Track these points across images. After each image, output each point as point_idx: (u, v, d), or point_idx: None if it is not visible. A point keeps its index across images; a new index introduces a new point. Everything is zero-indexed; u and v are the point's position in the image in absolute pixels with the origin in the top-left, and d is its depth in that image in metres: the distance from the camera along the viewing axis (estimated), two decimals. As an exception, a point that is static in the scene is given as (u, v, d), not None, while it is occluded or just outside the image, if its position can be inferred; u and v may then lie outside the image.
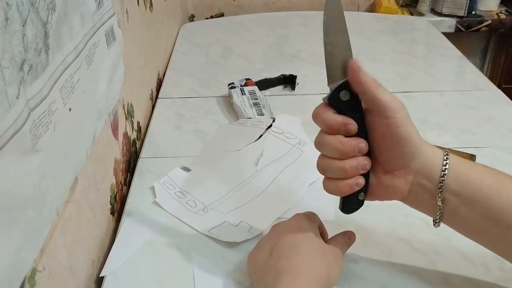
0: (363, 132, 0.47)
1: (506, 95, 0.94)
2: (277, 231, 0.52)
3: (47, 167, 0.41)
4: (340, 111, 0.47)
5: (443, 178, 0.46)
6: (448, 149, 0.74)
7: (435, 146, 0.72)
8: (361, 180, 0.48)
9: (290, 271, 0.46)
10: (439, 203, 0.46)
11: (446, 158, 0.46)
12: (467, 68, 1.08)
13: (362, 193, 0.49)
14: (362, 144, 0.47)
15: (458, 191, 0.46)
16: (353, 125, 0.46)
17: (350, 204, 0.50)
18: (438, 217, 0.47)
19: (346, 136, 0.46)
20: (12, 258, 0.36)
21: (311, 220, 0.52)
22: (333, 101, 0.47)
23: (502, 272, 0.54)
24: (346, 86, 0.46)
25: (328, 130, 0.47)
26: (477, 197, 0.45)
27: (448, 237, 0.49)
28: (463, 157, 0.70)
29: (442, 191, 0.46)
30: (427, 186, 0.47)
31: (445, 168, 0.46)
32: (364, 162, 0.47)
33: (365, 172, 0.48)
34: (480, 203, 0.45)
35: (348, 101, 0.47)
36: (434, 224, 0.48)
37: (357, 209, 0.51)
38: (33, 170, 0.39)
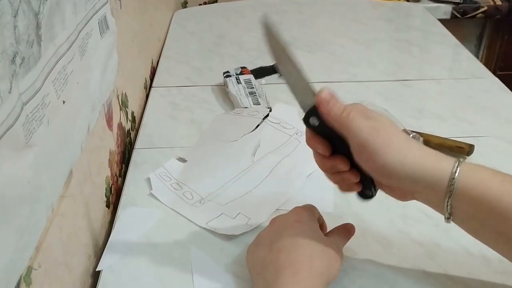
0: (342, 150, 0.47)
1: (501, 81, 0.93)
2: (276, 225, 0.51)
3: (41, 162, 0.40)
4: (316, 133, 0.48)
5: (449, 202, 0.44)
6: (446, 138, 0.74)
7: (432, 134, 0.72)
8: (355, 187, 0.49)
9: (291, 266, 0.45)
10: (447, 216, 0.45)
11: (453, 183, 0.43)
12: (463, 55, 1.08)
13: (367, 190, 0.49)
14: (339, 165, 0.47)
15: (468, 212, 0.44)
16: (321, 150, 0.47)
17: (361, 195, 0.51)
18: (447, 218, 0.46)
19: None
20: (7, 257, 0.35)
21: (310, 214, 0.52)
22: (307, 125, 0.48)
23: (501, 264, 0.54)
24: (313, 112, 0.47)
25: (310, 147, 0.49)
26: (489, 216, 0.44)
27: (447, 228, 0.49)
28: (461, 147, 0.71)
29: (450, 214, 0.45)
30: (434, 202, 0.46)
31: (451, 189, 0.43)
32: (348, 178, 0.48)
33: (356, 181, 0.48)
34: (492, 221, 0.44)
35: (319, 125, 0.47)
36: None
37: (370, 198, 0.50)
38: (27, 166, 0.38)
